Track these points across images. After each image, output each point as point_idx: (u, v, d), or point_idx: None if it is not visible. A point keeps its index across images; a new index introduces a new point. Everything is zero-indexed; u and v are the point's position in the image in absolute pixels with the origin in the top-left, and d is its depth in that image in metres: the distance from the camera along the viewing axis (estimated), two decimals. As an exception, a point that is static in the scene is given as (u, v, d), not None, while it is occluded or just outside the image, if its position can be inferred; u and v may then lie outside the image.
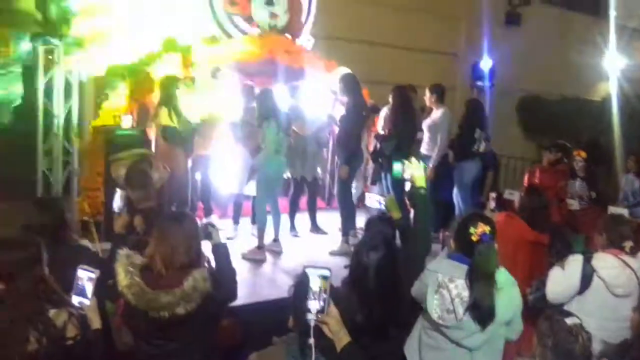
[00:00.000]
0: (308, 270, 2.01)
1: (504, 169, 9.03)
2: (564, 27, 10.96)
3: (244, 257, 5.34)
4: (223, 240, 2.93)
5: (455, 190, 6.31)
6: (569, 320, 2.29)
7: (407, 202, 4.07)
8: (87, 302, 2.32)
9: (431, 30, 9.32)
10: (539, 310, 2.80)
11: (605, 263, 3.35)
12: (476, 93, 9.80)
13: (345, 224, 5.77)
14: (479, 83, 9.72)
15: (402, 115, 5.84)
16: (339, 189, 5.90)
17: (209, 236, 2.85)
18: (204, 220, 5.25)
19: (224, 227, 5.92)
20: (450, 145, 6.35)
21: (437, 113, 6.29)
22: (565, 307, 3.20)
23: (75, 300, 2.33)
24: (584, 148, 6.42)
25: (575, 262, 3.41)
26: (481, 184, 6.86)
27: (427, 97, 6.41)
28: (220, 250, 2.87)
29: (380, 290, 2.36)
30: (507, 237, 3.50)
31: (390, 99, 6.09)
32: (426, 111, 6.56)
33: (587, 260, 3.39)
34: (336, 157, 5.82)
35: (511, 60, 9.47)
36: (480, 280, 2.48)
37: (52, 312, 2.26)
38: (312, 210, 6.48)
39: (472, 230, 2.53)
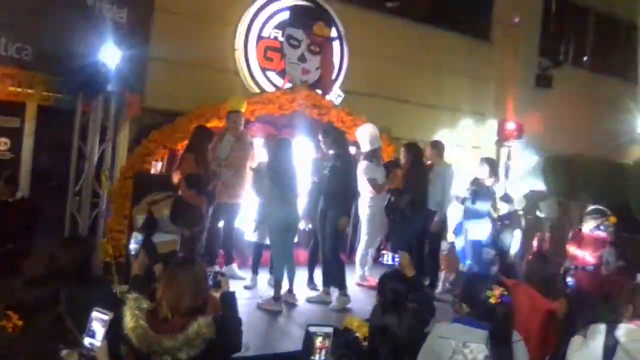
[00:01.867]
0: (311, 329, 2.03)
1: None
2: (594, 90, 10.94)
3: (260, 306, 5.32)
4: (232, 289, 2.95)
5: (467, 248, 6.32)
6: None
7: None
8: (97, 344, 2.34)
9: (459, 90, 9.41)
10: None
11: (630, 335, 3.20)
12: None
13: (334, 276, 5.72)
14: (506, 144, 9.72)
15: (415, 171, 6.00)
16: (333, 241, 5.77)
17: (217, 284, 2.88)
18: (216, 269, 5.33)
19: (244, 276, 5.96)
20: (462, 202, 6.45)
21: (439, 167, 6.41)
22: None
23: (87, 341, 2.36)
24: (615, 213, 6.26)
25: (598, 332, 3.27)
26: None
27: (428, 153, 6.53)
28: (228, 299, 2.87)
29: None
30: (517, 305, 3.40)
31: (402, 155, 6.22)
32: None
33: (611, 331, 3.24)
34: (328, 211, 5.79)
35: (540, 122, 9.45)
36: (504, 343, 2.43)
37: (64, 352, 2.33)
38: (312, 265, 6.42)
39: (489, 293, 2.48)
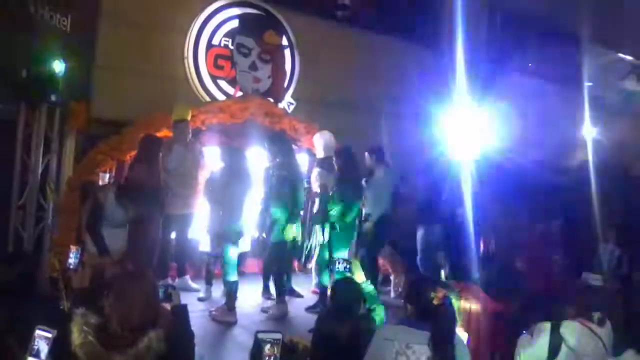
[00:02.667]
0: (260, 335, 2.02)
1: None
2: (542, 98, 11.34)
3: (214, 318, 5.24)
4: (184, 302, 2.91)
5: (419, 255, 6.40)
6: None
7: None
8: None
9: (410, 97, 9.58)
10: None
11: (575, 332, 3.33)
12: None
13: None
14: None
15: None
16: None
17: (169, 298, 2.84)
18: (168, 281, 5.24)
19: (198, 288, 5.88)
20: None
21: (378, 173, 6.48)
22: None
23: None
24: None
25: (543, 330, 3.39)
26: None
27: (367, 158, 6.58)
28: (180, 313, 2.84)
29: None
30: (467, 308, 3.49)
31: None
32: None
33: (556, 329, 3.37)
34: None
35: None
36: (445, 344, 2.47)
37: None
38: (288, 272, 6.42)
39: (432, 294, 2.54)
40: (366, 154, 6.64)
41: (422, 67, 9.71)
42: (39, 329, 2.34)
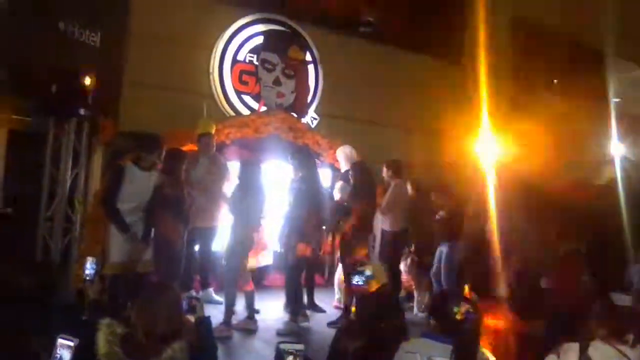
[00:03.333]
0: (282, 346, 2.01)
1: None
2: (568, 113, 11.19)
3: (235, 327, 5.26)
4: (207, 314, 2.93)
5: (444, 271, 6.33)
6: None
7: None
8: None
9: (433, 113, 9.55)
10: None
11: (603, 354, 3.24)
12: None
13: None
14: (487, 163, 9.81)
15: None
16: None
17: (193, 309, 2.85)
18: (192, 293, 5.26)
19: (221, 300, 5.88)
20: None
21: (393, 186, 6.44)
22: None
23: None
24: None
25: (571, 350, 3.31)
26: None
27: (384, 172, 6.55)
28: (203, 324, 2.85)
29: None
30: (493, 327, 3.42)
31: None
32: (385, 186, 6.61)
33: (584, 350, 3.28)
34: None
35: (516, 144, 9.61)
36: (468, 358, 2.44)
37: None
38: (310, 286, 6.40)
39: (455, 309, 2.51)
40: (384, 167, 6.62)
41: (445, 82, 9.71)
42: (61, 337, 2.38)
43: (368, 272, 3.56)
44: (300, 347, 1.99)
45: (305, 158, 5.91)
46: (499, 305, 3.91)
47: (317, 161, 6.56)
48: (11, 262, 4.79)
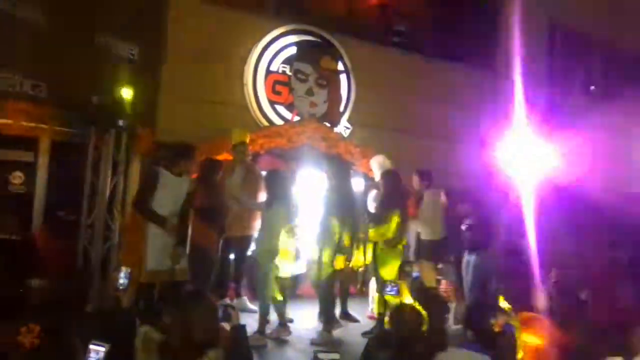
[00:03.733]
0: (320, 356, 2.02)
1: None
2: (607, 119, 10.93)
3: (269, 336, 5.30)
4: (242, 322, 2.96)
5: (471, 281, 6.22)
6: None
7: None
8: None
9: (467, 122, 9.45)
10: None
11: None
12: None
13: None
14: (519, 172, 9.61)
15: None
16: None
17: (228, 318, 2.89)
18: (227, 301, 5.30)
19: (255, 309, 5.91)
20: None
21: (427, 196, 6.35)
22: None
23: None
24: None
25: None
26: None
27: (416, 182, 6.47)
28: (238, 332, 2.88)
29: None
30: (531, 340, 3.33)
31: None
32: (416, 196, 6.51)
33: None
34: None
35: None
36: None
37: None
38: (344, 296, 6.39)
39: (492, 321, 2.48)
40: (414, 176, 6.58)
41: (479, 90, 9.62)
42: (93, 343, 2.44)
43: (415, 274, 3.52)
44: (336, 356, 2.00)
45: (337, 167, 5.90)
46: (538, 318, 3.82)
47: (351, 170, 6.55)
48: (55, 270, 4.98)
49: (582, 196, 9.60)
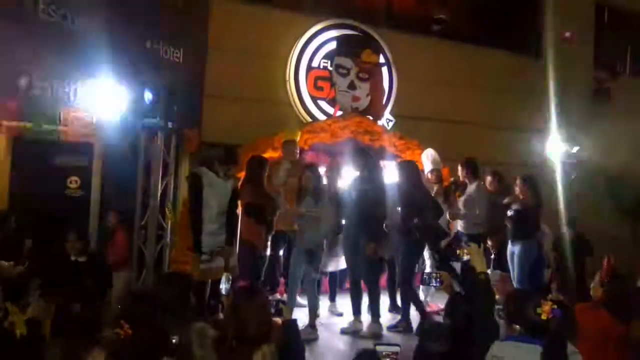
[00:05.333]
0: (379, 348, 2.03)
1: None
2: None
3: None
4: (294, 317, 3.02)
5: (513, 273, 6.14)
6: None
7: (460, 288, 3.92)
8: None
9: (511, 109, 9.26)
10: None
11: None
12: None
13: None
14: (563, 160, 9.34)
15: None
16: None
17: (279, 312, 2.94)
18: (277, 297, 5.39)
19: (305, 303, 5.99)
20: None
21: (471, 187, 6.24)
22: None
23: None
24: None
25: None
26: (580, 271, 6.47)
27: (460, 172, 6.38)
28: (290, 327, 2.94)
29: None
30: (585, 330, 3.25)
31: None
32: (460, 186, 6.43)
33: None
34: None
35: (600, 138, 9.10)
36: (558, 358, 2.36)
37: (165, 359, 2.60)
38: (392, 289, 6.41)
39: (538, 310, 2.44)
40: (459, 167, 6.50)
41: (523, 76, 9.40)
42: None
43: (465, 258, 3.47)
44: (396, 349, 2.01)
45: (367, 159, 5.83)
46: (593, 307, 3.72)
47: (381, 162, 6.55)
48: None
49: (633, 182, 9.29)
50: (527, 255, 6.11)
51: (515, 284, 6.13)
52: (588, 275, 6.07)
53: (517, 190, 6.22)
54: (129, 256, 5.80)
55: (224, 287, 3.43)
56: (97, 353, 2.69)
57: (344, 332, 5.51)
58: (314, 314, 5.38)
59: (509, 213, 6.17)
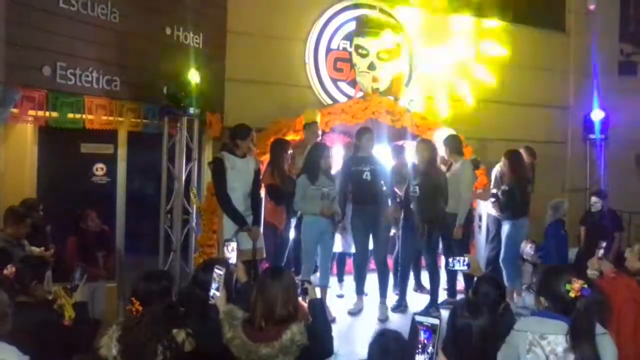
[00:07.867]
0: (417, 318, 2.02)
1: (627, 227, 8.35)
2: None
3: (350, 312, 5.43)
4: (319, 297, 3.05)
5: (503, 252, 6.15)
6: None
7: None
8: (218, 293, 2.98)
9: (536, 84, 9.10)
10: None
11: None
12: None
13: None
14: (591, 136, 9.18)
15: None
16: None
17: (305, 292, 2.98)
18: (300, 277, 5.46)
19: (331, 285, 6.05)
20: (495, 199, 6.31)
21: (456, 165, 6.03)
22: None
23: (211, 293, 2.98)
24: None
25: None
26: (608, 247, 6.42)
27: (444, 150, 6.15)
28: (316, 306, 2.97)
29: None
30: (612, 295, 3.25)
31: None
32: (446, 165, 6.23)
33: None
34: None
35: (628, 111, 8.90)
36: (585, 339, 2.32)
37: (174, 332, 2.76)
38: (417, 269, 6.43)
39: (568, 286, 2.40)
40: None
41: (550, 52, 9.22)
42: (216, 267, 3.00)
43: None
44: (436, 321, 1.99)
45: (368, 139, 5.84)
46: (622, 276, 3.69)
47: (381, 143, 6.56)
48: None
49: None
50: (515, 234, 6.11)
51: (501, 263, 6.15)
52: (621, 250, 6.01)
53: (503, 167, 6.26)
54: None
55: (233, 259, 3.49)
56: (113, 330, 2.83)
57: (350, 313, 5.62)
58: (324, 292, 5.48)
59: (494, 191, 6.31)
